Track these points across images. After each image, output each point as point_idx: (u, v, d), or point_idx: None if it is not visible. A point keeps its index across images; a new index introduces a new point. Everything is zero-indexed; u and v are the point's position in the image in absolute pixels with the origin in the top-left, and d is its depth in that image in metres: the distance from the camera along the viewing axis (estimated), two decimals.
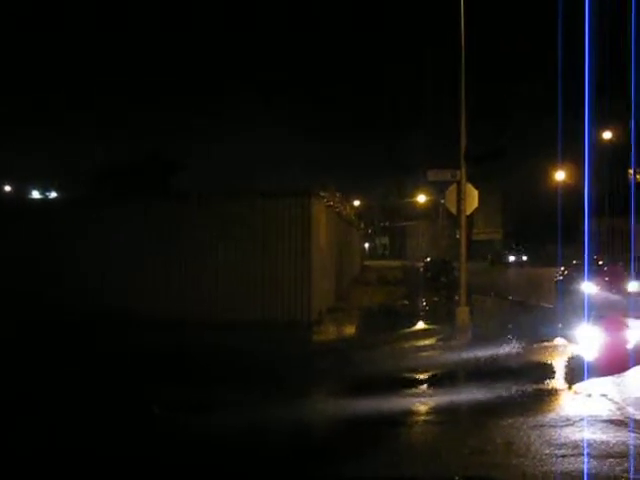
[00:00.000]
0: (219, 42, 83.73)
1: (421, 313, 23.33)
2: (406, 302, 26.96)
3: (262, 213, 17.72)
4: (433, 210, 71.84)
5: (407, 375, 12.33)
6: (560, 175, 52.94)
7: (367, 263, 63.70)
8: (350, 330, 18.98)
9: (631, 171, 42.36)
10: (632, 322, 20.44)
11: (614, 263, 30.44)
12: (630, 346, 17.07)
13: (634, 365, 13.24)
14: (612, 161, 47.73)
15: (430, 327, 19.20)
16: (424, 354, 14.88)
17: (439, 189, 19.47)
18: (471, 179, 18.86)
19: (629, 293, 24.86)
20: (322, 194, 19.26)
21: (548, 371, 12.99)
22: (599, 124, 44.90)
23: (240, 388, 10.71)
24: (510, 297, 29.96)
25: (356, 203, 68.16)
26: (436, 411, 10.09)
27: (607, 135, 46.94)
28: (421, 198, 77.89)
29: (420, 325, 19.79)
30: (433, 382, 11.82)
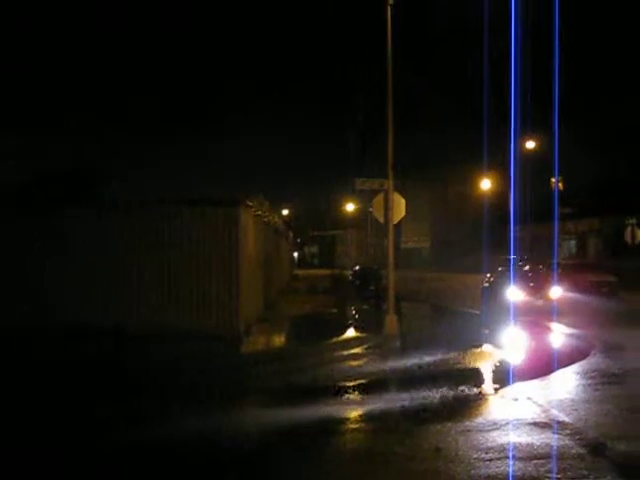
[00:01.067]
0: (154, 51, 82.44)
1: (350, 321, 23.35)
2: (335, 311, 26.98)
3: (189, 222, 17.42)
4: (362, 218, 72.30)
5: (337, 384, 12.28)
6: (486, 183, 53.98)
7: (297, 272, 63.71)
8: (279, 340, 18.85)
9: (554, 179, 43.46)
10: (555, 327, 20.99)
11: (538, 269, 31.12)
12: (554, 350, 17.50)
13: (558, 368, 13.56)
14: (536, 169, 48.89)
15: (359, 335, 19.22)
16: (354, 362, 14.87)
17: (368, 197, 19.67)
18: (399, 187, 19.02)
19: (552, 299, 25.46)
20: (250, 203, 19.08)
21: (475, 376, 13.13)
22: (524, 133, 45.98)
23: (165, 400, 10.51)
24: (439, 304, 30.37)
25: (285, 212, 68.16)
26: (366, 419, 10.09)
27: (530, 145, 48.04)
28: (350, 207, 78.49)
29: (349, 333, 19.79)
30: (363, 390, 11.81)
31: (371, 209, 19.08)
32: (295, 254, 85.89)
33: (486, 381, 13.02)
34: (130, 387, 11.51)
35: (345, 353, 16.00)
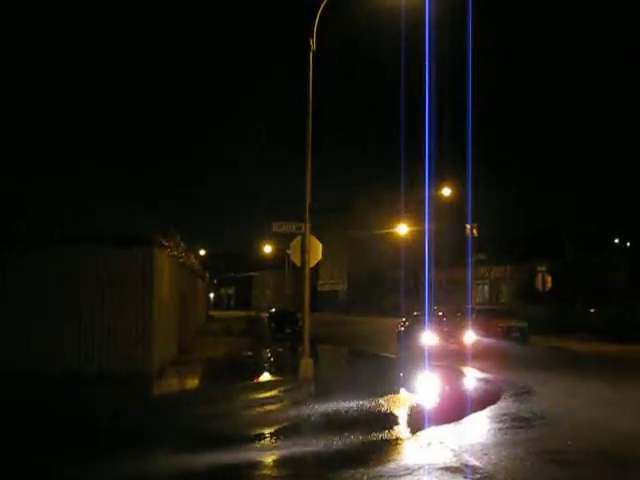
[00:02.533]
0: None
1: (266, 365, 23.17)
2: (251, 353, 26.72)
3: (103, 260, 17.04)
4: (279, 260, 72.23)
5: (252, 429, 12.09)
6: (403, 228, 54.80)
7: (212, 313, 63.01)
8: (193, 383, 18.48)
9: (468, 226, 44.50)
10: (469, 371, 21.30)
11: (453, 314, 31.65)
12: (467, 394, 17.71)
13: (470, 412, 13.72)
14: (452, 216, 50.07)
15: (274, 379, 19.05)
16: (269, 407, 14.67)
17: (285, 240, 19.72)
18: (317, 230, 19.09)
19: (466, 344, 25.89)
20: (166, 243, 18.82)
21: (390, 421, 13.13)
22: (441, 180, 47.08)
23: (72, 445, 10.14)
24: (355, 347, 30.44)
25: (202, 252, 67.52)
26: (279, 464, 9.94)
27: (447, 192, 49.10)
28: (268, 248, 78.40)
29: (265, 377, 19.61)
30: (278, 435, 11.63)
31: (289, 251, 19.04)
32: (211, 295, 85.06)
33: (401, 426, 13.03)
34: (34, 433, 11.06)
35: (260, 397, 15.79)
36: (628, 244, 59.03)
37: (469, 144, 33.43)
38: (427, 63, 20.88)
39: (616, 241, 59.27)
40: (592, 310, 34.98)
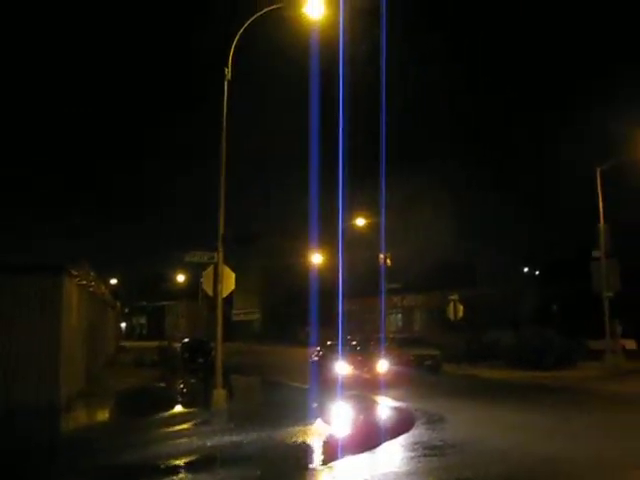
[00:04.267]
0: None
1: (177, 396, 22.72)
2: (163, 384, 26.18)
3: (9, 289, 16.47)
4: (193, 289, 71.35)
5: (161, 462, 11.79)
6: (317, 258, 54.97)
7: (123, 344, 61.57)
8: (102, 416, 17.98)
9: (382, 255, 44.96)
10: (382, 400, 21.38)
11: (366, 343, 31.81)
12: (380, 423, 17.75)
13: (384, 441, 13.73)
14: (367, 245, 50.44)
15: (186, 411, 18.69)
16: (179, 440, 14.34)
17: (199, 269, 19.43)
18: (230, 260, 18.94)
19: (379, 373, 26.02)
20: (75, 272, 18.33)
21: (304, 451, 13.02)
22: (354, 210, 47.48)
23: None
24: (269, 378, 30.20)
25: (113, 281, 66.10)
26: None
27: (361, 222, 49.51)
28: (181, 278, 77.43)
29: (176, 409, 19.22)
30: (187, 467, 11.38)
31: (202, 280, 18.78)
32: (123, 325, 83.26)
33: (315, 456, 12.93)
34: None
35: (172, 430, 15.44)
36: (537, 273, 60.94)
37: (382, 173, 33.86)
38: (341, 96, 21.13)
39: (525, 270, 61.07)
40: (502, 338, 35.74)
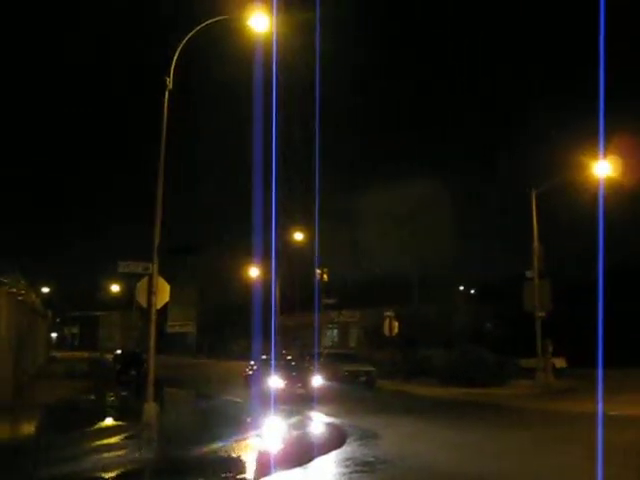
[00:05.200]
0: None
1: (108, 409, 22.28)
2: (93, 397, 25.66)
3: None
4: (128, 300, 70.30)
5: (89, 476, 11.57)
6: (254, 272, 54.75)
7: (54, 354, 60.26)
8: (28, 429, 17.44)
9: (319, 271, 45.06)
10: (315, 415, 21.34)
11: (301, 358, 31.80)
12: (313, 439, 17.70)
13: (316, 457, 13.69)
14: (304, 260, 50.45)
15: (116, 424, 18.34)
16: (108, 454, 14.01)
17: (134, 280, 19.01)
18: (166, 271, 18.67)
19: (313, 388, 25.99)
20: (3, 280, 17.86)
21: (236, 466, 12.90)
22: (293, 224, 47.49)
23: None
24: (203, 391, 29.89)
25: (45, 290, 64.58)
26: None
27: (299, 236, 49.48)
28: (115, 288, 76.15)
29: (106, 422, 18.83)
30: None
31: (136, 292, 18.45)
32: (54, 335, 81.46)
33: (247, 471, 12.80)
34: None
35: (99, 444, 15.10)
36: (472, 291, 61.88)
37: (317, 188, 33.92)
38: (274, 107, 21.14)
39: (461, 288, 61.94)
40: (436, 355, 36.09)
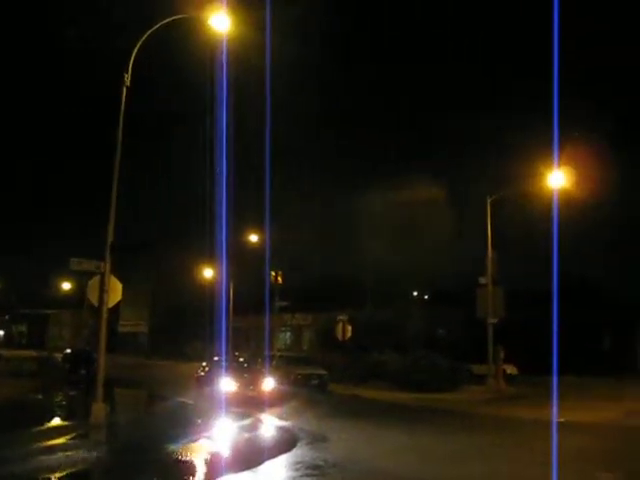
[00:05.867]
0: None
1: (55, 409, 21.87)
2: (40, 396, 25.20)
3: None
4: (79, 298, 69.32)
5: (33, 477, 11.32)
6: (208, 273, 54.47)
7: (1, 352, 58.97)
8: None
9: (273, 273, 45.01)
10: (266, 418, 21.25)
11: (253, 360, 31.67)
12: (263, 441, 17.62)
13: (267, 460, 13.63)
14: (258, 262, 50.29)
15: (63, 424, 17.99)
16: (54, 455, 13.70)
17: (86, 277, 18.71)
18: (119, 270, 18.43)
19: (264, 391, 25.88)
20: None
21: (185, 469, 12.76)
22: (248, 225, 47.40)
23: None
24: (153, 392, 29.58)
25: None
26: None
27: (254, 238, 49.31)
28: (66, 285, 75.06)
29: (53, 422, 18.47)
30: None
31: (87, 290, 18.18)
32: (1, 332, 79.96)
33: (196, 473, 12.66)
34: None
35: (45, 444, 14.80)
36: (425, 297, 62.37)
37: (267, 188, 33.79)
38: (224, 107, 21.09)
39: (415, 294, 62.39)
40: (388, 359, 36.23)
